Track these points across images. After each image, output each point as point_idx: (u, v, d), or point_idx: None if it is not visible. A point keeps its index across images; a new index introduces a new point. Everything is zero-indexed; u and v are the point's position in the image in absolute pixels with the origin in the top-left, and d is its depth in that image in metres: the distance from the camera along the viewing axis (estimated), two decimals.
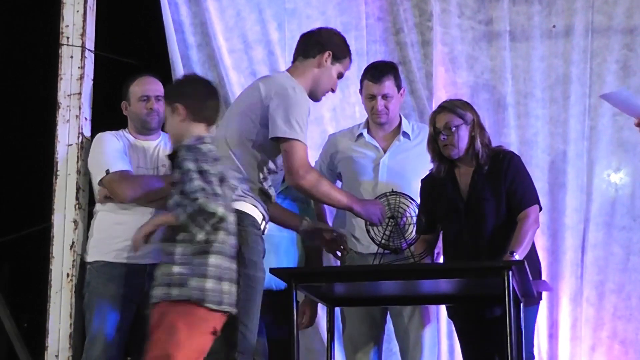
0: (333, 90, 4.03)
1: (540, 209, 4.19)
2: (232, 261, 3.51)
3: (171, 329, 3.41)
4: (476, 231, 4.12)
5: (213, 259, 3.44)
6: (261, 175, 3.79)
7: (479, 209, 4.13)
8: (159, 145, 4.44)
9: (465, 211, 4.16)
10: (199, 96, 3.66)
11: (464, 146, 4.17)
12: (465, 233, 4.15)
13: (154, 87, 4.42)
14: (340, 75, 4.01)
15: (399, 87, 4.54)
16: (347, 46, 4.03)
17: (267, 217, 3.80)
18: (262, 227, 3.76)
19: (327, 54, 3.94)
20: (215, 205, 3.40)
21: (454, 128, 4.15)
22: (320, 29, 4.07)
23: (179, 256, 3.45)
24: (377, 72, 4.50)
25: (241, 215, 3.65)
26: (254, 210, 3.71)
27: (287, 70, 3.99)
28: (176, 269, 3.44)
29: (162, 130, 4.47)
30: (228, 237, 3.49)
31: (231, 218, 3.52)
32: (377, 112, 4.50)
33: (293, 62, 4.00)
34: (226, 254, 3.49)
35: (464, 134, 4.17)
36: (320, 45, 3.95)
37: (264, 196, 3.79)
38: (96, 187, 4.37)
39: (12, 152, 7.31)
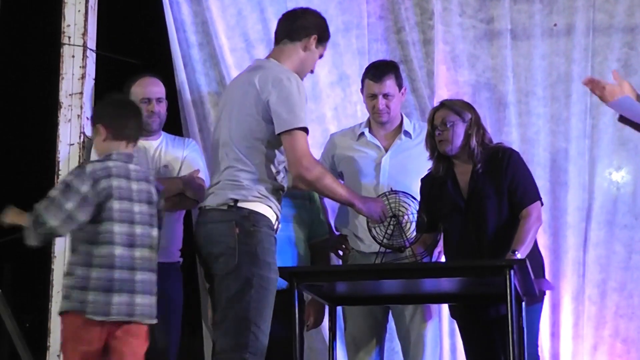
0: (312, 72, 4.00)
1: (542, 204, 4.19)
2: (130, 273, 3.51)
3: (63, 341, 3.52)
4: (478, 229, 4.11)
5: (95, 272, 3.45)
6: (274, 170, 3.76)
7: (481, 207, 4.12)
8: (160, 146, 4.43)
9: (466, 210, 4.16)
10: (119, 116, 3.70)
11: (458, 143, 4.16)
12: (467, 231, 4.13)
13: (155, 89, 4.42)
14: (320, 56, 3.98)
15: (400, 86, 4.53)
16: (328, 28, 3.99)
17: (280, 217, 3.80)
18: (275, 226, 3.76)
19: (313, 37, 3.90)
20: (49, 217, 3.41)
21: (450, 124, 4.14)
22: (304, 11, 4.00)
23: (68, 265, 3.51)
24: (378, 71, 4.49)
25: (257, 217, 3.66)
26: (268, 211, 3.71)
27: (272, 54, 3.93)
28: (65, 280, 3.50)
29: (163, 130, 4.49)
30: (116, 249, 3.48)
31: (110, 227, 3.50)
32: (378, 111, 4.50)
33: (276, 43, 3.94)
34: (115, 266, 3.47)
35: (459, 131, 4.16)
36: (306, 29, 3.89)
37: (277, 193, 3.78)
38: None
39: (13, 152, 7.31)
